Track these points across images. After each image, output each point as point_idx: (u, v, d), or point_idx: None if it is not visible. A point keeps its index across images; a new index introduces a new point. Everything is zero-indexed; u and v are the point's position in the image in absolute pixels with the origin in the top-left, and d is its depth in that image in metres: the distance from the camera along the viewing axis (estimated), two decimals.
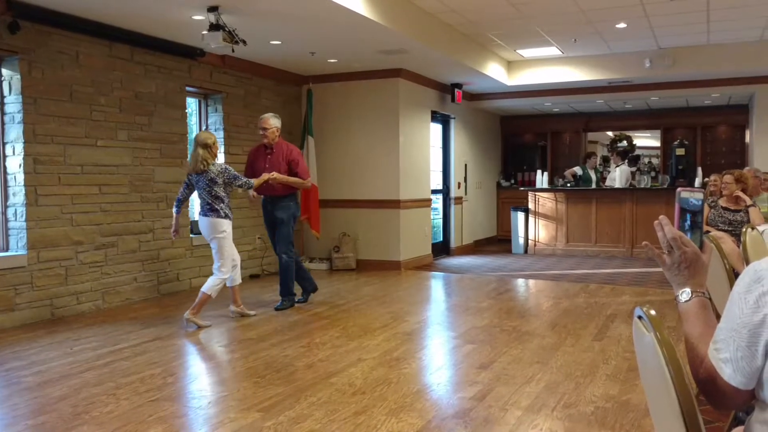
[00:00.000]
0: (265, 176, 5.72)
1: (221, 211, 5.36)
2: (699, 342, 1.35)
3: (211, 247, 5.51)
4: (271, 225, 6.10)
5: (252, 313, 5.72)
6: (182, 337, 5.02)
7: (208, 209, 5.36)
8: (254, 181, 5.62)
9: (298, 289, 6.25)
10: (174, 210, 5.55)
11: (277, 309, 5.93)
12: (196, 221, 6.83)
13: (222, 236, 5.38)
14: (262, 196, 5.99)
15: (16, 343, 4.81)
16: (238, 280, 5.64)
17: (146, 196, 6.58)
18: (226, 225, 5.41)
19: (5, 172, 5.47)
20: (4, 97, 5.44)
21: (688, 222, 1.47)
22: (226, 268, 5.42)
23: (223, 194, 5.38)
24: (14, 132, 5.43)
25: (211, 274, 5.47)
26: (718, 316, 1.33)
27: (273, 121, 5.94)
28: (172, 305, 6.24)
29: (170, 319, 5.58)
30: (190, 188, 5.50)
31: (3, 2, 5.16)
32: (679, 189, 1.48)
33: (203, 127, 7.63)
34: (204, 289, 5.29)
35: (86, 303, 5.94)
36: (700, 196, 1.47)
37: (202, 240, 6.24)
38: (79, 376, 3.99)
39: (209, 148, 5.38)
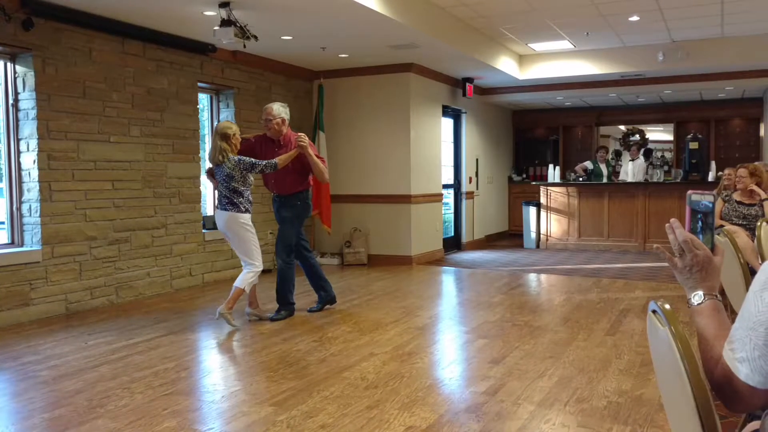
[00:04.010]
0: (299, 147, 5.16)
1: (241, 205, 5.11)
2: (714, 344, 1.34)
3: (230, 242, 5.32)
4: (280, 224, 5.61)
5: (269, 315, 5.38)
6: (195, 332, 5.05)
7: (227, 203, 5.10)
8: (277, 160, 5.12)
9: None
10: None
11: (271, 320, 5.34)
12: (209, 216, 6.82)
13: (243, 229, 5.14)
14: (307, 140, 5.25)
15: (32, 337, 4.87)
16: (255, 281, 5.27)
17: (159, 192, 6.61)
18: (246, 218, 5.16)
19: (20, 169, 5.52)
20: (18, 93, 5.48)
21: (700, 224, 1.46)
22: (257, 260, 5.19)
23: (243, 188, 5.11)
24: (28, 128, 5.47)
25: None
26: (734, 314, 1.32)
27: (278, 110, 5.27)
28: (184, 300, 6.29)
29: (183, 314, 5.63)
30: (213, 176, 5.27)
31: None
32: (689, 191, 1.46)
33: (215, 123, 7.64)
34: (237, 283, 5.12)
35: (100, 298, 5.98)
36: (711, 198, 1.46)
37: (214, 235, 6.25)
38: (93, 370, 4.02)
39: (228, 139, 5.08)
